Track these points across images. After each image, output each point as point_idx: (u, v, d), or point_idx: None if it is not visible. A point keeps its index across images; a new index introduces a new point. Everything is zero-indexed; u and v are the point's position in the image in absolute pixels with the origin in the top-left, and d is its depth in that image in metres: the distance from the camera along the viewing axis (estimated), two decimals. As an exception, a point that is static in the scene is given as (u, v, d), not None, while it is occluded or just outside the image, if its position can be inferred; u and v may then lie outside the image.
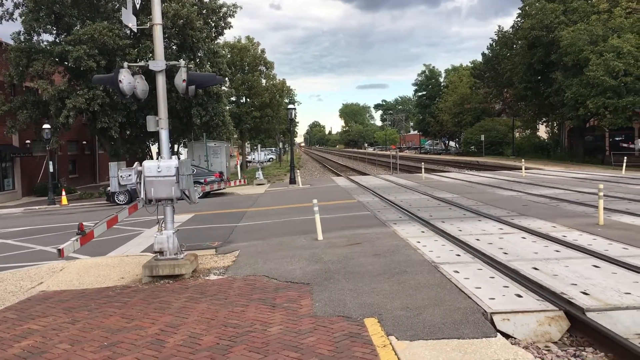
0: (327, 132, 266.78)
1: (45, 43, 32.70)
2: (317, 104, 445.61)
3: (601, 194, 11.70)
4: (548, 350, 5.45)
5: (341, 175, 41.62)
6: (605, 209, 12.12)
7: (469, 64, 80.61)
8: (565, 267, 7.74)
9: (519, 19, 50.29)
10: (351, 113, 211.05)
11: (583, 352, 5.33)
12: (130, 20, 9.40)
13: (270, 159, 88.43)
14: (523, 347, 5.37)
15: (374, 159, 75.41)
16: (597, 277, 7.17)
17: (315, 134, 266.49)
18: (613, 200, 15.25)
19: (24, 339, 6.24)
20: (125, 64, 9.05)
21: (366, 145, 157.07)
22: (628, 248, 8.92)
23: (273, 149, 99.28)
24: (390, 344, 5.32)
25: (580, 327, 5.74)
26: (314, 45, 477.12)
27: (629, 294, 6.36)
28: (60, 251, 8.29)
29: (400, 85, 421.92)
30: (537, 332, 5.76)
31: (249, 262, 9.70)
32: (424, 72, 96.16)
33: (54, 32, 32.99)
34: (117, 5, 32.64)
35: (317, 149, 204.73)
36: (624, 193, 17.30)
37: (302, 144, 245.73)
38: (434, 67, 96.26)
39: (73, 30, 30.71)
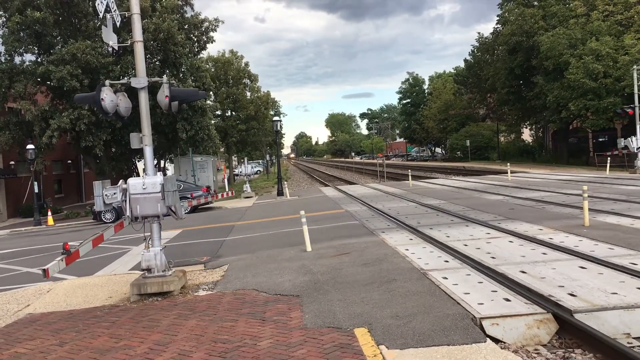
0: (314, 143, 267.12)
1: (27, 63, 32.52)
2: (303, 115, 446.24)
3: (586, 195, 11.81)
4: (537, 353, 5.48)
5: (329, 185, 41.65)
6: (590, 209, 12.24)
7: (452, 71, 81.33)
8: (552, 270, 7.80)
9: (498, 26, 50.91)
10: (337, 123, 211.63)
11: (572, 354, 5.36)
12: (110, 39, 9.38)
13: (258, 172, 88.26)
14: (512, 351, 5.39)
15: (361, 168, 75.60)
16: (584, 278, 7.23)
17: (302, 144, 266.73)
18: (598, 201, 15.40)
19: (11, 364, 6.15)
20: (107, 81, 9.02)
21: (353, 154, 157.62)
22: (614, 248, 9.00)
23: (260, 161, 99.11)
24: (381, 353, 5.31)
25: (569, 328, 5.78)
26: (298, 56, 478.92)
27: (616, 294, 6.42)
28: (45, 271, 8.20)
29: (385, 93, 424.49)
30: (526, 335, 5.79)
31: (238, 276, 9.65)
32: (407, 79, 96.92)
33: (36, 51, 32.83)
34: (99, 23, 32.55)
35: (305, 160, 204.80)
36: (608, 193, 17.49)
37: (292, 155, 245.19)
38: (417, 74, 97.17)
39: (55, 50, 30.59)
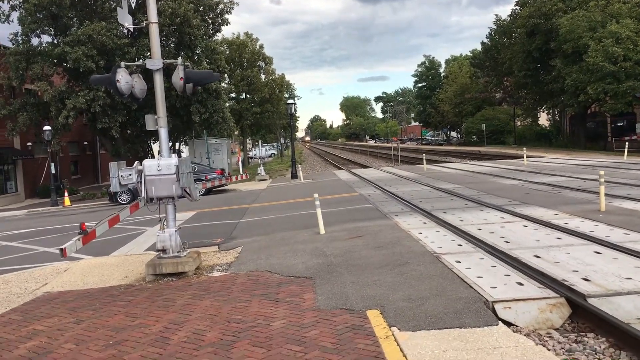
0: (328, 126, 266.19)
1: (44, 45, 32.74)
2: (318, 98, 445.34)
3: (602, 180, 11.68)
4: (550, 337, 5.47)
5: (343, 169, 41.62)
6: (606, 195, 12.11)
7: (469, 54, 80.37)
8: (566, 254, 7.75)
9: (516, 7, 50.12)
10: (352, 106, 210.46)
11: (584, 338, 5.35)
12: (126, 20, 9.39)
13: (272, 155, 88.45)
14: (524, 335, 5.39)
15: (375, 152, 75.44)
16: (599, 263, 7.18)
17: (317, 128, 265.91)
18: (614, 186, 15.23)
19: (30, 340, 6.28)
20: (123, 63, 9.05)
21: (367, 137, 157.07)
22: (629, 233, 8.92)
23: (274, 144, 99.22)
24: (393, 335, 5.34)
25: (582, 313, 5.76)
26: (313, 39, 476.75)
27: (630, 279, 6.37)
28: (62, 251, 8.33)
29: (401, 76, 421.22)
30: (539, 319, 5.78)
31: (251, 257, 9.73)
32: (423, 63, 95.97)
33: (52, 33, 33.02)
34: (114, 5, 32.62)
35: (319, 143, 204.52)
36: (625, 179, 17.28)
37: (307, 138, 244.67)
38: (433, 57, 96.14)
39: (71, 31, 30.74)
